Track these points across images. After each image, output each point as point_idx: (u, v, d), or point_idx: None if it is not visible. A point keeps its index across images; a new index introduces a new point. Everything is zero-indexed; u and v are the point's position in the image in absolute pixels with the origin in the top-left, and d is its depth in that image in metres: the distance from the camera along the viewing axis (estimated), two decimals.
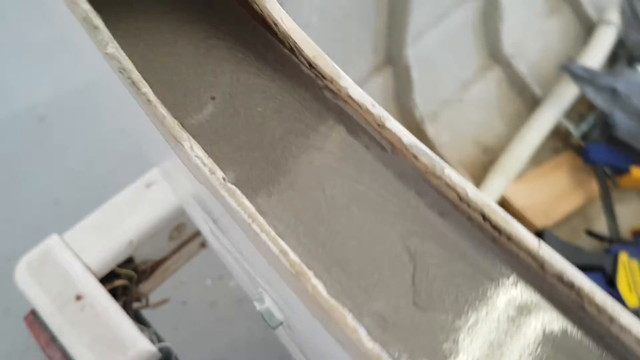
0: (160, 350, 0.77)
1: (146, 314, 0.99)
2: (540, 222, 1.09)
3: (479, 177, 1.12)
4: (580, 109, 1.20)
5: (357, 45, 1.01)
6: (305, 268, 0.27)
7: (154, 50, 0.35)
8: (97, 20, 0.30)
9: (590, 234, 1.09)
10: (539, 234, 1.03)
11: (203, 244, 1.08)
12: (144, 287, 1.03)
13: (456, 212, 0.30)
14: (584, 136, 1.17)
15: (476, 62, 1.21)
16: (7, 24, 1.76)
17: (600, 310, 0.26)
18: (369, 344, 0.25)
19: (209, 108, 0.33)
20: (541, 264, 0.27)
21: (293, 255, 0.27)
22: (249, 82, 0.35)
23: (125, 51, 0.31)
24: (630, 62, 1.20)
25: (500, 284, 0.28)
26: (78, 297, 0.86)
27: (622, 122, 1.10)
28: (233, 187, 0.29)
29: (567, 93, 1.17)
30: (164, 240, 1.01)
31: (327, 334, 0.29)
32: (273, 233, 0.28)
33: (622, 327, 0.26)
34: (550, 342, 0.27)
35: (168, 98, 0.33)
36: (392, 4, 1.03)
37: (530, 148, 1.14)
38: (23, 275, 0.83)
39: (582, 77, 1.14)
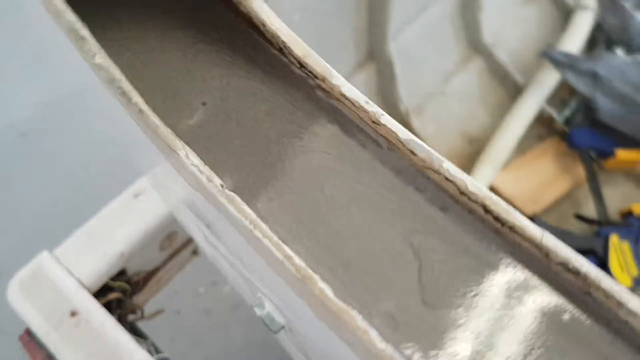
0: None
1: (142, 325, 0.98)
2: (529, 209, 1.09)
3: (466, 168, 1.12)
4: (562, 94, 1.21)
5: (339, 42, 1.01)
6: (311, 272, 0.27)
7: (142, 58, 0.34)
8: (84, 31, 0.29)
9: (580, 217, 1.10)
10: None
11: (195, 252, 1.07)
12: (138, 298, 1.02)
13: (457, 206, 0.30)
14: (568, 121, 1.18)
15: (457, 53, 1.22)
16: None
17: (608, 295, 0.26)
18: (381, 344, 0.25)
19: (201, 114, 0.33)
20: (545, 253, 0.27)
21: (298, 260, 0.27)
22: (239, 85, 0.34)
23: (112, 61, 0.31)
24: (609, 45, 1.21)
25: (506, 275, 0.28)
26: (73, 313, 0.85)
27: (604, 105, 1.11)
28: (232, 194, 0.29)
29: (549, 79, 1.18)
30: (155, 251, 1.00)
31: (334, 336, 0.29)
32: (276, 238, 0.28)
33: (630, 312, 0.26)
34: (559, 330, 0.27)
35: (159, 106, 0.32)
36: (372, 0, 1.03)
37: (515, 136, 1.14)
38: (15, 295, 0.82)
39: (563, 62, 1.14)
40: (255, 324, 1.37)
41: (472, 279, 0.28)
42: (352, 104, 0.32)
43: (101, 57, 0.30)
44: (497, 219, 0.28)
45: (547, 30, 1.31)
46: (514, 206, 1.10)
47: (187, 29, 0.36)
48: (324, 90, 0.34)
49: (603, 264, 1.00)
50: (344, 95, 0.32)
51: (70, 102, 1.53)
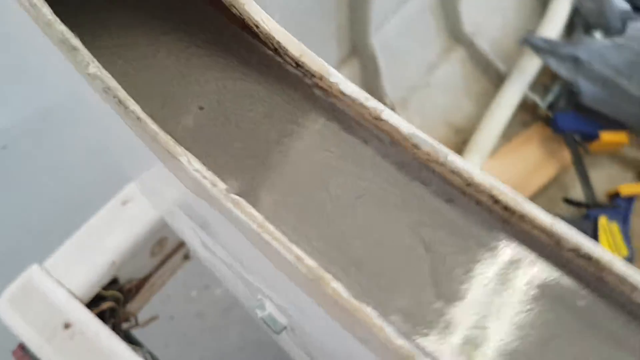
0: None
1: (136, 332, 0.97)
2: None
3: None
4: (544, 80, 1.22)
5: (321, 39, 1.01)
6: (323, 272, 0.27)
7: (134, 65, 0.34)
8: (75, 41, 0.28)
9: (568, 201, 1.11)
10: None
11: (186, 256, 1.06)
12: (131, 306, 1.01)
13: (464, 198, 0.30)
14: (551, 106, 1.19)
15: (439, 44, 1.22)
16: None
17: (621, 279, 0.26)
18: (399, 340, 0.25)
19: (199, 118, 0.32)
20: (557, 240, 0.27)
21: (309, 260, 0.27)
22: (235, 88, 0.34)
23: (105, 70, 0.30)
24: (587, 29, 1.23)
25: (518, 265, 0.28)
26: (66, 326, 0.84)
27: (586, 89, 1.12)
28: (238, 197, 0.28)
29: (530, 66, 1.19)
30: (146, 257, 0.99)
31: (347, 335, 0.29)
32: (285, 240, 0.27)
33: None
34: (575, 315, 0.27)
35: (156, 113, 0.32)
36: None
37: (500, 124, 1.15)
38: (7, 310, 0.81)
39: (544, 48, 1.15)
40: (249, 324, 1.37)
41: (484, 270, 0.28)
42: (352, 100, 0.32)
43: (95, 67, 0.29)
44: (506, 208, 0.28)
45: (526, 17, 1.32)
46: None
47: (178, 33, 0.36)
48: (321, 88, 0.33)
49: None
50: (343, 93, 0.32)
51: (52, 114, 1.51)
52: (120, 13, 0.35)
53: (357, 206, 0.30)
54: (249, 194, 0.30)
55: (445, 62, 1.21)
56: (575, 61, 1.12)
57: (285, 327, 0.48)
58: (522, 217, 0.28)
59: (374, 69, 1.08)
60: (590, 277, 0.27)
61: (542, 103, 1.18)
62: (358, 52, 1.08)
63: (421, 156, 0.31)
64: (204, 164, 0.29)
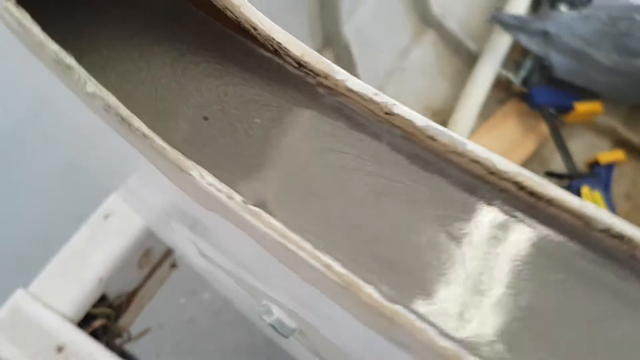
0: None
1: (129, 346, 0.96)
2: None
3: None
4: (516, 56, 1.23)
5: (294, 32, 0.99)
6: (354, 277, 0.26)
7: (129, 79, 0.32)
8: (70, 59, 0.27)
9: (550, 174, 1.12)
10: None
11: (174, 265, 1.05)
12: (123, 321, 0.99)
13: (486, 186, 0.29)
14: (525, 82, 1.19)
15: (410, 28, 1.22)
16: None
17: None
18: (443, 342, 0.24)
19: (205, 129, 0.31)
20: (587, 221, 0.27)
21: (338, 267, 0.26)
22: (237, 94, 0.32)
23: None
24: (553, 3, 1.23)
25: (549, 249, 0.28)
26: (59, 349, 0.82)
27: (558, 61, 1.13)
28: (256, 209, 0.27)
29: (501, 43, 1.19)
30: (134, 270, 0.97)
31: (382, 339, 0.28)
32: (311, 248, 0.26)
33: None
34: (610, 295, 0.27)
35: (158, 127, 0.30)
36: None
37: (477, 103, 1.15)
38: None
39: (513, 25, 1.16)
40: (241, 326, 1.36)
41: (517, 259, 0.28)
42: (361, 97, 0.31)
43: (93, 85, 0.27)
44: (532, 194, 0.28)
45: None
46: None
47: (170, 42, 0.34)
48: (326, 87, 0.32)
49: None
50: (350, 90, 0.31)
51: (19, 131, 1.46)
52: (108, 25, 0.33)
53: (381, 205, 0.29)
54: (267, 204, 0.29)
55: (418, 45, 1.21)
56: (545, 35, 1.13)
57: (294, 330, 0.48)
58: (550, 202, 0.27)
59: (349, 59, 1.07)
60: (622, 256, 0.27)
61: (516, 79, 1.19)
62: (332, 42, 1.07)
63: (438, 148, 0.30)
64: (217, 176, 0.28)
